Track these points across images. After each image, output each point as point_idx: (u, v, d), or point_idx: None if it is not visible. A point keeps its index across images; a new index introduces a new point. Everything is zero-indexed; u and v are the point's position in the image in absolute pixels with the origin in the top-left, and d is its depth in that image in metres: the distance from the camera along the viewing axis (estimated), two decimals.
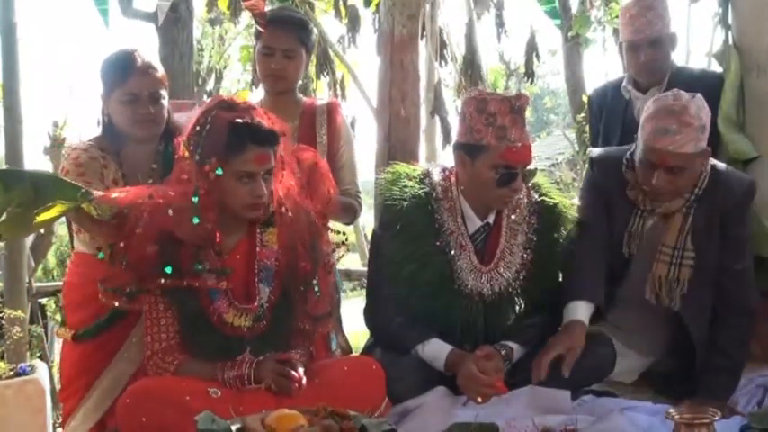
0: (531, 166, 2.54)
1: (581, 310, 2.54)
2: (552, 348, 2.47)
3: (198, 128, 2.27)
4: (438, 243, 2.55)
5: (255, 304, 2.35)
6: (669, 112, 2.46)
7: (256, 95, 3.35)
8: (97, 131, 2.65)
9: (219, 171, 2.24)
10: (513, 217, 2.61)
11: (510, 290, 2.59)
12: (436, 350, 2.50)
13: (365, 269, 3.41)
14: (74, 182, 2.33)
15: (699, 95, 2.53)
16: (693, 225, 2.62)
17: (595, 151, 2.87)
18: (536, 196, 2.66)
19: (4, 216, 2.30)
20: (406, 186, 2.59)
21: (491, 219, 2.61)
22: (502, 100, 2.46)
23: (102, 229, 2.39)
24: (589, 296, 2.58)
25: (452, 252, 2.55)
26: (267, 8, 3.05)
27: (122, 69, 2.54)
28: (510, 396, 2.42)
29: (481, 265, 2.57)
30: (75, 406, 2.57)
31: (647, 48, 3.23)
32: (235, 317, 2.32)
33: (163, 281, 2.25)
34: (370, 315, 2.68)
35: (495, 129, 2.44)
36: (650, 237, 2.67)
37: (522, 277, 2.60)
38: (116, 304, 2.31)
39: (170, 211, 2.23)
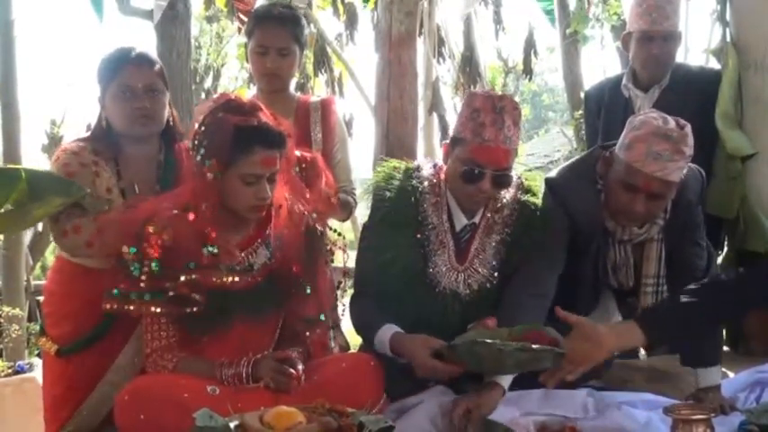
0: (522, 170, 2.51)
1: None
2: (463, 400, 2.32)
3: (203, 128, 2.27)
4: (418, 236, 2.53)
5: (241, 255, 2.34)
6: (665, 137, 2.35)
7: (253, 93, 3.34)
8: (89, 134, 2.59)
9: (218, 174, 2.23)
10: (493, 216, 2.59)
11: (488, 287, 2.56)
12: (382, 336, 2.43)
13: None
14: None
15: (688, 124, 2.43)
16: (667, 248, 2.61)
17: (554, 175, 2.69)
18: (520, 195, 2.62)
19: (1, 212, 2.30)
20: (393, 179, 2.59)
21: (478, 218, 2.59)
22: (486, 97, 2.44)
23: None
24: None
25: (430, 247, 2.53)
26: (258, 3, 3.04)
27: (116, 62, 2.50)
28: (520, 396, 2.43)
29: (458, 264, 2.55)
30: (59, 429, 2.51)
31: (661, 41, 3.22)
32: (223, 274, 2.30)
33: (183, 278, 2.24)
34: (352, 307, 2.65)
35: (475, 124, 2.42)
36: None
37: (497, 275, 2.57)
38: (130, 308, 2.26)
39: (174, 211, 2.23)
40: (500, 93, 2.54)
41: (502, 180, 2.47)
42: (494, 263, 2.57)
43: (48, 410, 2.60)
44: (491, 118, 2.41)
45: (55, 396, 2.57)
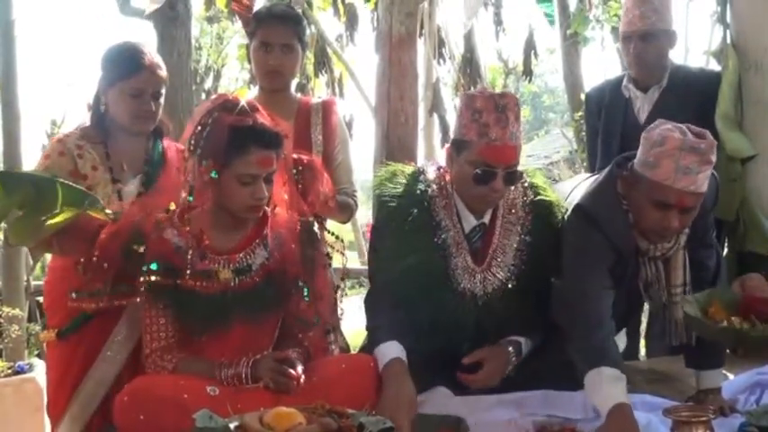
0: (521, 168, 2.49)
1: (617, 387, 2.29)
2: None
3: (199, 127, 2.27)
4: (436, 239, 2.52)
5: (237, 255, 2.34)
6: (692, 150, 2.28)
7: (254, 94, 3.35)
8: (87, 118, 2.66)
9: (214, 174, 2.24)
10: (508, 217, 2.59)
11: (503, 290, 2.56)
12: (381, 353, 2.40)
13: (364, 267, 3.43)
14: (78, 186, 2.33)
15: (707, 131, 2.37)
16: (690, 254, 2.57)
17: (581, 201, 2.56)
18: (531, 196, 2.63)
19: (11, 221, 2.31)
20: (399, 183, 2.58)
21: (486, 218, 2.59)
22: (488, 97, 2.44)
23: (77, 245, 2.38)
24: (616, 362, 2.38)
25: (449, 249, 2.53)
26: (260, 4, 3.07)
27: (132, 63, 2.56)
28: (522, 398, 2.43)
29: (475, 266, 2.55)
30: (62, 413, 2.53)
31: (638, 40, 3.23)
32: (217, 269, 2.31)
33: (152, 278, 2.26)
34: (366, 304, 2.65)
35: (478, 125, 2.41)
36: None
37: (515, 278, 2.57)
38: (92, 306, 2.33)
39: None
40: (498, 90, 2.53)
41: (513, 177, 2.48)
42: (512, 266, 2.57)
43: (50, 399, 2.63)
44: (494, 117, 2.41)
45: (56, 381, 2.60)
